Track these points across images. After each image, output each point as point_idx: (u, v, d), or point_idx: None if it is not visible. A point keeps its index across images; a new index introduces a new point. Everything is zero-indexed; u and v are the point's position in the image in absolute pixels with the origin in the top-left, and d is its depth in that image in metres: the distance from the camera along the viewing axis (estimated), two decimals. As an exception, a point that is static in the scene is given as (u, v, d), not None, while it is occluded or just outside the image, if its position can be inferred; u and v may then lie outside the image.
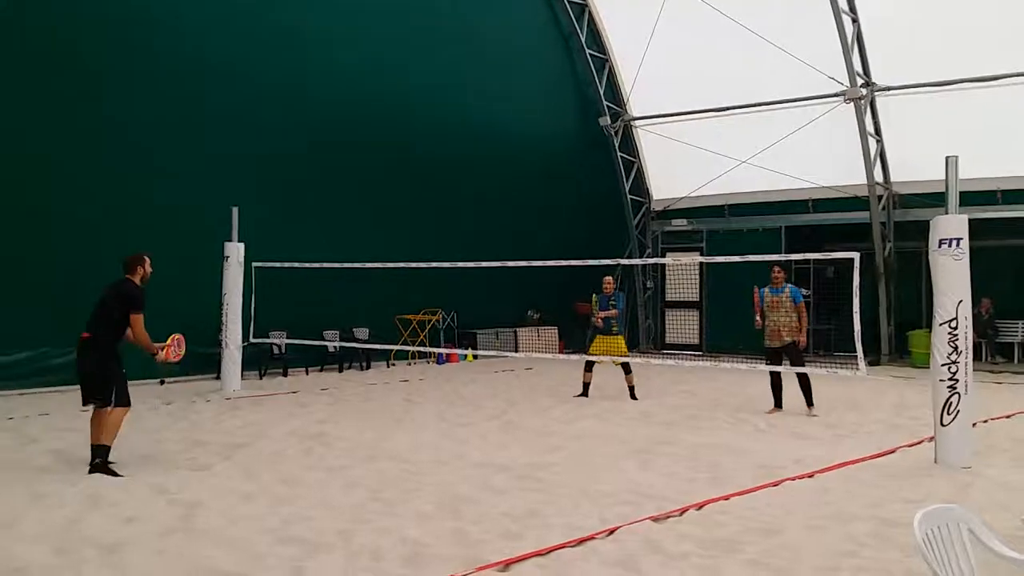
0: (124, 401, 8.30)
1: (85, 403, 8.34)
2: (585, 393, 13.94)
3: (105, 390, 8.23)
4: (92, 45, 14.09)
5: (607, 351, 13.52)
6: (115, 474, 8.03)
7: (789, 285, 12.22)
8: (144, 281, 8.58)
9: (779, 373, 12.28)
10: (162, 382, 14.64)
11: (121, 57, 14.45)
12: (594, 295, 13.71)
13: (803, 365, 12.16)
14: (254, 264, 14.74)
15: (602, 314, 13.49)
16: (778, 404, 12.42)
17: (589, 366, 13.94)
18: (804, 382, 12.22)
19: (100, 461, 8.11)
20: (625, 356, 13.76)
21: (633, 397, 13.68)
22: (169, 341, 8.77)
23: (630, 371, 13.76)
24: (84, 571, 5.40)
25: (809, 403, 12.25)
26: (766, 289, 12.25)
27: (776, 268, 12.25)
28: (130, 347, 8.54)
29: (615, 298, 13.59)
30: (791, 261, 18.70)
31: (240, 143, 15.78)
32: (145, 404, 12.27)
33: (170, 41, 15.04)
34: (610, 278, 13.89)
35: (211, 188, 15.12)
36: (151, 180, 14.68)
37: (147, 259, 8.64)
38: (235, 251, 14.28)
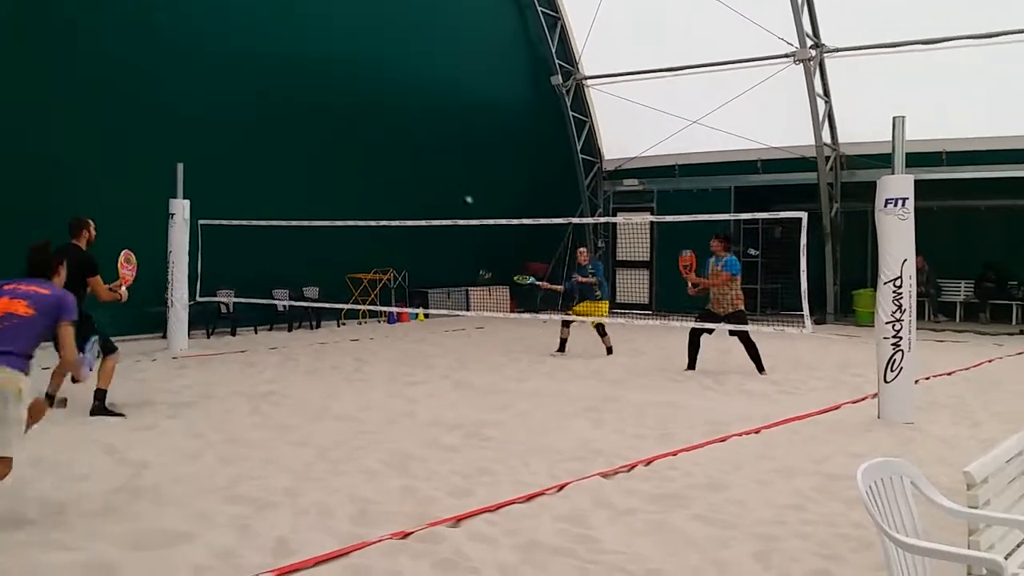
0: (111, 348, 8.76)
1: None
2: (562, 349, 14.21)
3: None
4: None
5: (590, 313, 13.80)
6: (115, 414, 8.71)
7: (728, 256, 12.11)
8: (89, 243, 8.66)
9: (699, 335, 12.34)
10: (107, 342, 14.41)
11: (72, 9, 14.07)
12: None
13: (746, 332, 12.05)
14: (201, 221, 14.52)
15: (580, 278, 13.82)
16: (691, 365, 12.44)
17: (567, 322, 14.19)
18: (750, 349, 12.22)
19: (98, 404, 8.70)
20: (605, 318, 14.01)
21: (610, 352, 14.04)
22: (120, 271, 8.90)
23: (605, 333, 14.07)
24: (29, 532, 5.31)
25: (760, 369, 12.19)
26: (711, 259, 12.23)
27: (713, 239, 12.21)
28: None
29: (592, 266, 13.89)
30: (740, 221, 18.91)
31: (186, 98, 15.46)
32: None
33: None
34: (584, 249, 14.32)
35: (156, 144, 14.81)
36: (95, 135, 14.36)
37: (91, 223, 8.77)
38: (181, 208, 14.04)
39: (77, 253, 8.29)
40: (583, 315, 13.81)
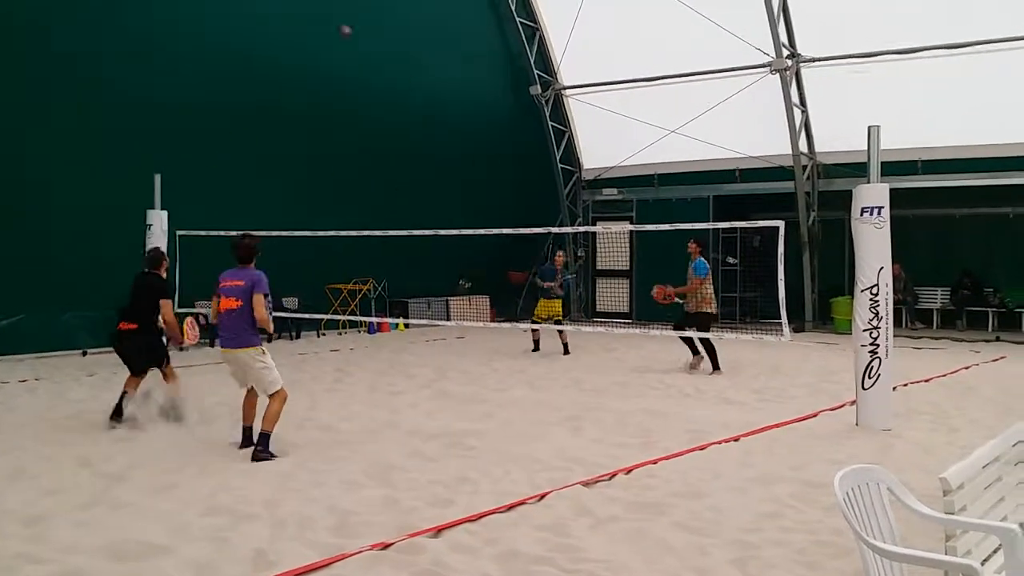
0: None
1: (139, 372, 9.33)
2: (536, 348, 15.40)
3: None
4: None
5: (548, 313, 15.13)
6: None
7: (699, 259, 12.94)
8: (166, 270, 9.88)
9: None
10: (84, 353, 14.32)
11: (49, 18, 13.99)
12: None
13: (705, 332, 12.79)
14: (178, 232, 14.44)
15: (547, 284, 15.15)
16: (696, 352, 13.27)
17: (535, 324, 15.41)
18: (706, 347, 13.02)
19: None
20: (559, 317, 15.30)
21: (566, 352, 14.96)
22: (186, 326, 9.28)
23: (562, 330, 15.27)
24: (3, 545, 5.27)
25: (715, 367, 12.97)
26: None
27: (691, 241, 13.06)
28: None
29: (561, 275, 15.30)
30: (719, 230, 19.02)
31: (163, 108, 15.36)
32: (68, 375, 12.03)
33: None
34: (561, 253, 15.81)
35: (133, 154, 14.72)
36: (72, 145, 14.27)
37: (167, 259, 10.00)
38: (158, 219, 13.94)
39: (156, 280, 9.46)
40: (543, 314, 15.21)
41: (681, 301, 13.21)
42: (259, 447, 7.61)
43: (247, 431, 8.00)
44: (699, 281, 12.79)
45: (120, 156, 14.72)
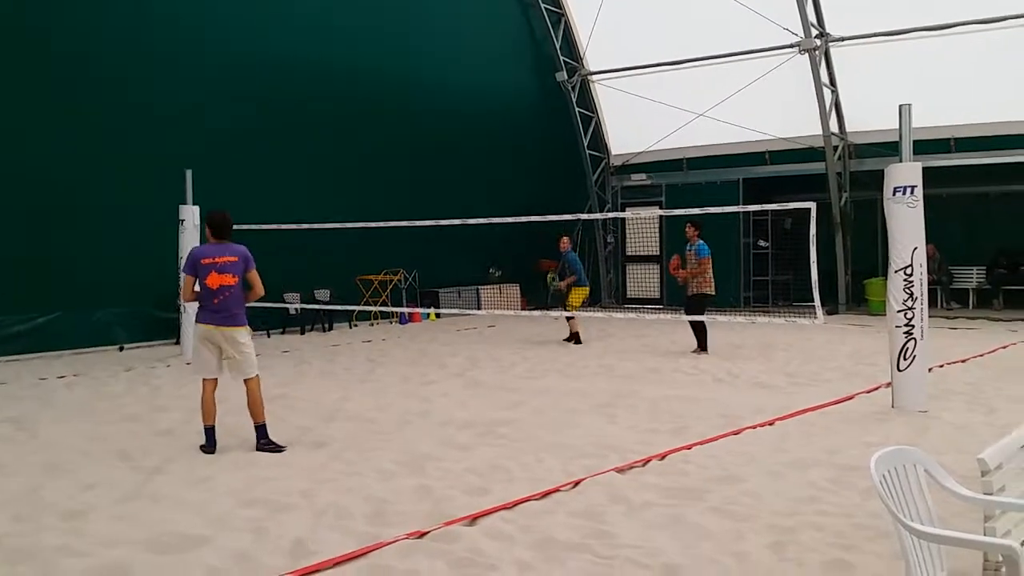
0: None
1: None
2: (578, 340, 15.00)
3: None
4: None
5: (568, 299, 14.99)
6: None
7: (699, 241, 13.26)
8: None
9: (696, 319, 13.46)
10: (121, 348, 14.49)
11: (71, 15, 14.10)
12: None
13: (700, 315, 13.18)
14: (210, 227, 14.53)
15: (563, 284, 15.01)
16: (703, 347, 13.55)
17: (568, 317, 15.09)
18: (697, 327, 13.42)
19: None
20: (573, 304, 15.00)
21: (568, 339, 15.09)
22: None
23: (571, 318, 15.04)
24: (44, 538, 5.34)
25: (702, 348, 13.39)
26: (686, 245, 13.51)
27: (688, 226, 13.42)
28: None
29: (567, 259, 14.97)
30: (749, 212, 18.90)
31: (194, 105, 15.49)
32: (105, 371, 12.16)
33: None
34: (566, 238, 15.20)
35: (165, 151, 14.84)
36: (106, 142, 14.42)
37: None
38: (190, 214, 14.03)
39: None
40: (572, 303, 15.05)
41: (682, 281, 13.54)
42: (263, 440, 7.62)
43: (213, 432, 7.65)
44: (706, 263, 13.14)
45: (151, 152, 14.84)
